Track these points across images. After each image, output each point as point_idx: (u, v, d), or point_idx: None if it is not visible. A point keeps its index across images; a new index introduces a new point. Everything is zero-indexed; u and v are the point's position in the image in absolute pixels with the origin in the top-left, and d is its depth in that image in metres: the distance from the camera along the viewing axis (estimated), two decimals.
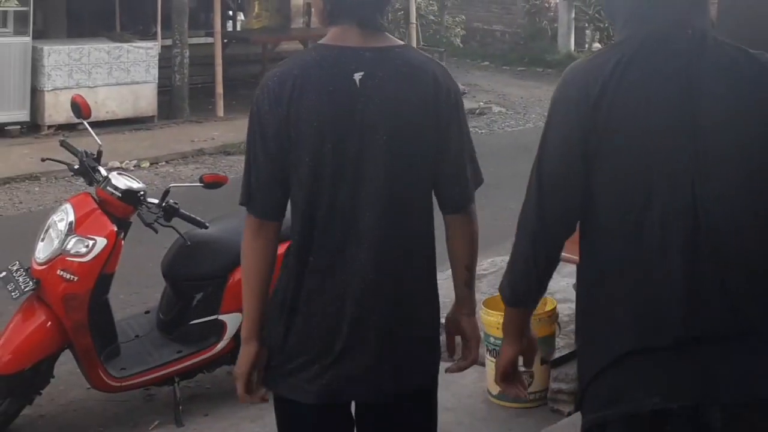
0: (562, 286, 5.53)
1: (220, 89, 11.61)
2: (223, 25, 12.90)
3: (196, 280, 4.48)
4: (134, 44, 11.00)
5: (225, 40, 12.39)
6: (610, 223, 1.94)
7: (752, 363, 1.89)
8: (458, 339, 2.57)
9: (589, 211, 1.98)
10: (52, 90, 10.32)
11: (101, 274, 4.16)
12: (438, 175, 2.34)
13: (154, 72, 11.04)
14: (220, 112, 11.62)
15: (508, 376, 2.27)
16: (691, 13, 1.95)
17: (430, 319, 2.43)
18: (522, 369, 2.34)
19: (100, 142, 4.49)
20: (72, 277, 4.10)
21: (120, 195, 4.22)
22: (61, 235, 4.15)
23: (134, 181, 4.35)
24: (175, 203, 4.29)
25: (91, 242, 4.13)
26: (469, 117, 13.02)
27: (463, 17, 16.30)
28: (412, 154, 2.27)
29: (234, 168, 9.55)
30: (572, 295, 4.51)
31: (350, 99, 2.22)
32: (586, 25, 16.84)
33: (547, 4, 18.04)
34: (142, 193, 4.28)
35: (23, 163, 9.22)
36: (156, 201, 4.30)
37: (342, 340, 2.30)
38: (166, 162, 9.80)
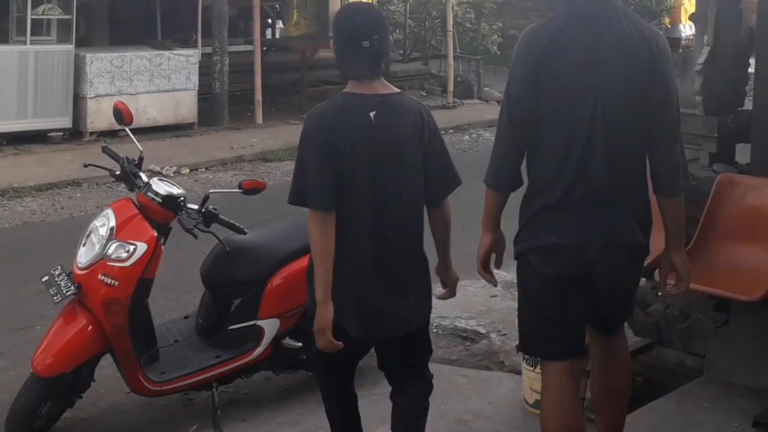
0: None
1: (259, 96, 11.72)
2: (263, 33, 13.01)
3: (234, 285, 4.53)
4: (175, 52, 11.14)
5: (264, 48, 12.49)
6: (544, 126, 2.98)
7: (616, 217, 2.98)
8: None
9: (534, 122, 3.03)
10: (94, 97, 10.48)
11: (141, 279, 4.21)
12: (425, 177, 3.33)
13: (195, 79, 11.18)
14: (259, 119, 11.73)
15: (486, 263, 3.23)
16: None
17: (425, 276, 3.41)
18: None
19: (141, 148, 4.55)
20: (113, 281, 4.15)
21: (161, 200, 4.27)
22: (103, 240, 4.20)
23: (175, 186, 4.41)
24: (215, 209, 4.34)
25: (131, 247, 4.17)
26: None
27: (500, 25, 16.23)
28: (410, 162, 3.29)
29: (272, 174, 9.63)
30: None
31: (370, 128, 3.24)
32: None
33: None
34: (182, 198, 4.33)
35: (66, 169, 9.37)
36: (196, 207, 4.35)
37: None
38: (206, 168, 9.90)
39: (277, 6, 14.94)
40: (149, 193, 4.29)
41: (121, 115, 4.52)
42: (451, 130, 12.31)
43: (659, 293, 3.61)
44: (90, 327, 4.17)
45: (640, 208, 3.04)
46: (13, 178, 9.03)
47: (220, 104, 11.58)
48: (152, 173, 8.29)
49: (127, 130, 4.61)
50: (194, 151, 10.37)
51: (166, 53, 11.09)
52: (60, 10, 10.46)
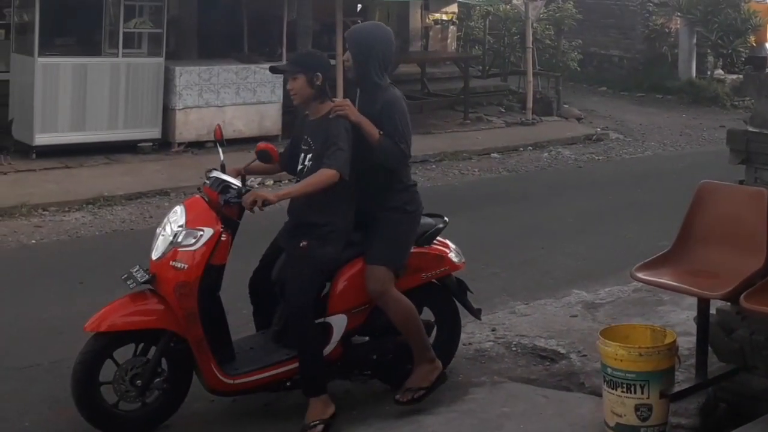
0: (681, 319, 5.46)
1: None
2: (345, 48, 13.16)
3: None
4: (261, 65, 11.36)
5: None
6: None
7: None
8: None
9: None
10: (182, 109, 10.79)
11: (209, 264, 4.41)
12: None
13: (279, 92, 11.38)
14: None
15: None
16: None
17: None
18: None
19: (222, 157, 4.81)
20: (182, 265, 4.39)
21: (210, 184, 4.54)
22: (175, 231, 4.46)
23: (236, 181, 4.58)
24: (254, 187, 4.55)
25: (199, 233, 4.43)
26: (585, 143, 13.02)
27: (580, 42, 16.14)
28: None
29: None
30: (692, 328, 4.48)
31: None
32: (708, 51, 16.46)
33: (667, 30, 17.71)
34: (231, 183, 4.53)
35: (154, 179, 9.64)
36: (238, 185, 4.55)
37: None
38: (289, 180, 10.00)
39: (359, 21, 15.11)
40: (212, 186, 4.55)
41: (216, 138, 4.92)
42: (530, 147, 12.28)
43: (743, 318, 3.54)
44: (157, 301, 4.41)
45: None
46: (104, 186, 9.33)
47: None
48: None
49: (219, 147, 4.90)
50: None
51: (252, 67, 11.33)
52: (151, 24, 10.81)
